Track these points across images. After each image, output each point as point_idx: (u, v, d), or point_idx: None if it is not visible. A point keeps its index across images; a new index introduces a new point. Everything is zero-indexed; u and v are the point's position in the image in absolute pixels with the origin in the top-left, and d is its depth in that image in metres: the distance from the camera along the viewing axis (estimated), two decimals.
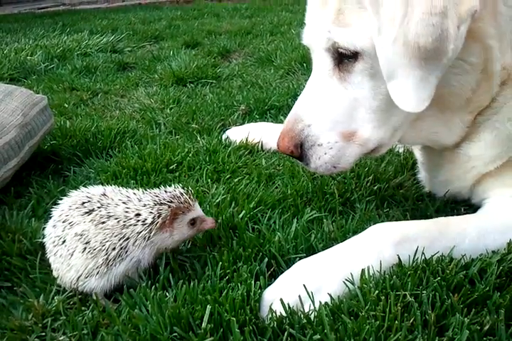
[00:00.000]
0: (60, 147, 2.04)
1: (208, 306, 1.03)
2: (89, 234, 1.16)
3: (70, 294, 1.19)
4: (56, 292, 1.20)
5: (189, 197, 1.21)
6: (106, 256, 1.15)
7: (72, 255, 1.16)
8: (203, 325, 1.00)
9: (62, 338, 1.07)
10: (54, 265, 1.21)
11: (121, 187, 1.26)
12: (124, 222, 1.16)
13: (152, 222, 1.16)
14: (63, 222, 1.20)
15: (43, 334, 1.09)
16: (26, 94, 1.89)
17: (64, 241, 1.18)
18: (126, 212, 1.17)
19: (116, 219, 1.16)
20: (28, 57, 3.79)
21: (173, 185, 1.25)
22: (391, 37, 1.09)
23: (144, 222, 1.16)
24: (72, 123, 2.27)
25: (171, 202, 1.18)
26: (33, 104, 1.87)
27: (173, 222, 1.19)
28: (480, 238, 1.22)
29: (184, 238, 1.23)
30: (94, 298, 1.15)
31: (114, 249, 1.15)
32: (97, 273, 1.15)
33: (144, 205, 1.18)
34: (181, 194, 1.21)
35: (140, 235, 1.16)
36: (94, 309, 1.12)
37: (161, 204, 1.18)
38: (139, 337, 1.01)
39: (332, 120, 1.24)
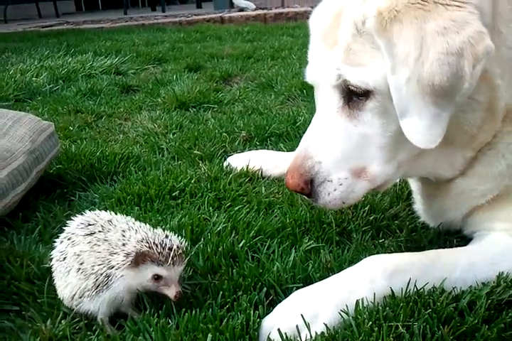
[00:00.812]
0: (66, 171, 2.09)
1: (209, 334, 1.08)
2: (84, 254, 1.20)
3: (77, 319, 1.24)
4: (63, 316, 1.25)
5: (173, 256, 1.17)
6: (95, 280, 1.18)
7: (69, 273, 1.22)
8: None
9: None
10: (55, 280, 1.26)
11: (133, 219, 1.30)
12: (113, 248, 1.19)
13: (129, 254, 1.17)
14: (68, 239, 1.26)
15: None
16: (34, 120, 1.95)
17: (64, 258, 1.24)
18: (119, 239, 1.20)
19: (109, 244, 1.20)
20: (34, 78, 3.86)
21: (181, 239, 1.24)
22: (405, 76, 1.11)
23: (126, 252, 1.18)
24: (77, 147, 2.33)
25: (156, 246, 1.18)
26: (41, 131, 1.94)
27: (138, 264, 1.17)
28: (470, 270, 1.26)
29: (144, 287, 1.21)
30: (99, 322, 1.20)
31: (101, 274, 1.18)
32: (88, 295, 1.19)
33: (135, 238, 1.19)
34: (170, 248, 1.18)
35: (118, 264, 1.18)
36: (100, 334, 1.17)
37: (147, 242, 1.18)
38: None
39: (342, 157, 1.25)
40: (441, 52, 1.08)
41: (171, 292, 1.17)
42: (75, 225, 1.28)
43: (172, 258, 1.17)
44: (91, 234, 1.23)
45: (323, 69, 1.26)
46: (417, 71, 1.10)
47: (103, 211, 1.33)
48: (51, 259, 1.29)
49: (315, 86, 1.34)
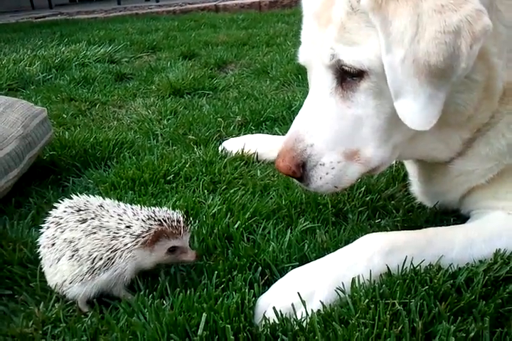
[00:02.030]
0: (59, 157, 2.08)
1: (204, 314, 1.07)
2: (78, 242, 1.19)
3: (70, 302, 1.22)
4: (56, 299, 1.24)
5: (182, 226, 1.22)
6: (92, 265, 1.18)
7: (59, 260, 1.20)
8: (199, 332, 1.04)
9: None
10: (44, 268, 1.25)
11: (120, 202, 1.29)
12: (115, 233, 1.19)
13: (139, 235, 1.18)
14: (56, 224, 1.23)
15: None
16: (26, 106, 1.93)
17: (53, 245, 1.22)
18: (119, 223, 1.20)
19: (107, 230, 1.19)
20: (27, 68, 3.84)
21: (176, 211, 1.27)
22: (400, 55, 1.08)
23: (132, 233, 1.18)
24: (70, 134, 2.32)
25: (165, 221, 1.20)
26: (33, 116, 1.92)
27: (154, 242, 1.19)
28: (467, 248, 1.25)
29: (160, 261, 1.23)
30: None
31: (101, 259, 1.18)
32: (81, 280, 1.18)
33: (138, 219, 1.20)
34: (177, 220, 1.22)
35: (126, 247, 1.18)
36: (94, 316, 1.16)
37: (154, 220, 1.20)
38: None
39: (335, 139, 1.22)
40: (437, 31, 1.06)
41: (190, 256, 1.23)
42: (62, 209, 1.25)
43: (183, 228, 1.21)
44: (84, 220, 1.21)
45: (316, 49, 1.23)
46: (413, 50, 1.07)
47: (91, 195, 1.31)
48: (38, 246, 1.27)
49: (308, 67, 1.31)
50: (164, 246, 1.20)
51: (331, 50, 1.18)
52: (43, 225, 1.27)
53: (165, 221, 1.20)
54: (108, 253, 1.18)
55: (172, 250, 1.22)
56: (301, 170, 1.24)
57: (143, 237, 1.18)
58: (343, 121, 1.21)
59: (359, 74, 1.17)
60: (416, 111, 1.12)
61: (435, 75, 1.08)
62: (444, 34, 1.05)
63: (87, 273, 1.18)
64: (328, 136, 1.22)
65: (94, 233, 1.19)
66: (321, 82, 1.24)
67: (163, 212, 1.23)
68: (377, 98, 1.18)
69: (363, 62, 1.14)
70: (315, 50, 1.24)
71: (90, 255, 1.18)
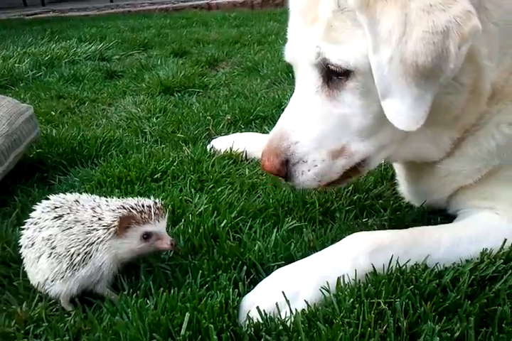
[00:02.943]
0: (46, 155, 2.06)
1: (187, 313, 1.06)
2: (55, 239, 1.18)
3: (53, 301, 1.21)
4: (39, 299, 1.22)
5: (155, 212, 1.20)
6: (71, 261, 1.17)
7: (39, 259, 1.19)
8: (182, 331, 1.03)
9: None
10: (26, 268, 1.24)
11: (97, 196, 1.28)
12: (89, 227, 1.18)
13: (110, 225, 1.18)
14: (35, 224, 1.23)
15: (25, 340, 1.11)
16: (12, 103, 1.91)
17: (33, 244, 1.21)
18: (93, 216, 1.19)
19: (82, 224, 1.18)
20: (16, 65, 3.81)
21: (153, 197, 1.26)
22: (388, 55, 1.07)
23: (104, 225, 1.18)
24: (58, 132, 2.30)
25: (134, 208, 1.19)
26: (19, 114, 1.90)
27: (125, 229, 1.18)
28: (454, 247, 1.25)
29: (137, 250, 1.21)
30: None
31: (78, 254, 1.17)
32: (62, 277, 1.17)
33: (109, 210, 1.20)
34: (149, 205, 1.20)
35: (100, 239, 1.17)
36: (77, 315, 1.15)
37: (124, 208, 1.19)
38: None
39: (319, 137, 1.21)
40: (425, 31, 1.05)
41: (165, 242, 1.20)
42: (40, 210, 1.25)
43: (154, 213, 1.19)
44: (59, 216, 1.21)
45: (302, 46, 1.22)
46: (400, 50, 1.07)
47: (68, 193, 1.30)
48: (20, 247, 1.26)
49: (294, 65, 1.29)
50: (137, 232, 1.19)
51: (317, 48, 1.17)
52: (23, 227, 1.26)
53: (134, 208, 1.19)
54: (85, 247, 1.17)
55: (146, 237, 1.19)
56: (285, 167, 1.23)
57: (113, 227, 1.17)
58: (329, 119, 1.20)
59: (345, 74, 1.15)
60: (403, 111, 1.11)
61: (422, 76, 1.08)
62: (432, 34, 1.05)
63: (67, 269, 1.17)
64: (314, 134, 1.22)
65: (70, 228, 1.18)
66: (306, 80, 1.23)
67: (135, 201, 1.22)
68: (363, 97, 1.17)
69: (349, 61, 1.13)
70: (301, 48, 1.22)
71: (68, 251, 1.17)
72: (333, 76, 1.18)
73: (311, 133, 1.22)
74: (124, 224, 1.17)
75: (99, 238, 1.17)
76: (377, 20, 1.08)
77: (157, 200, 1.24)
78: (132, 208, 1.19)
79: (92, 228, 1.18)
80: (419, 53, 1.06)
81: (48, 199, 1.28)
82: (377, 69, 1.09)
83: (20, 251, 1.26)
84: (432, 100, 1.12)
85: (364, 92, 1.16)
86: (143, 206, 1.19)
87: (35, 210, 1.27)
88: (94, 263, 1.17)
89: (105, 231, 1.17)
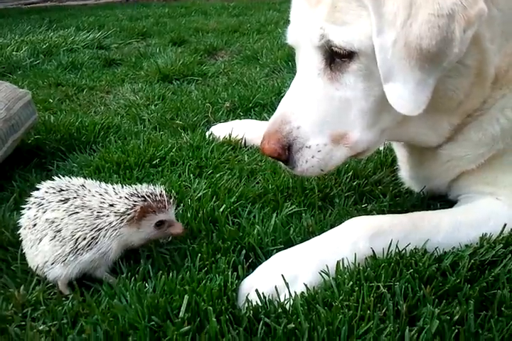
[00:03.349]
0: (44, 141, 2.05)
1: (186, 296, 1.05)
2: (61, 222, 1.17)
3: (51, 284, 1.20)
4: (37, 282, 1.22)
5: (166, 200, 1.22)
6: (75, 245, 1.16)
7: (40, 240, 1.18)
8: (181, 314, 1.03)
9: (42, 327, 1.07)
10: (24, 249, 1.23)
11: (101, 182, 1.28)
12: (98, 212, 1.18)
13: (124, 212, 1.18)
14: (38, 205, 1.22)
15: (23, 323, 1.10)
16: (10, 88, 1.90)
17: (34, 225, 1.20)
18: (102, 202, 1.19)
19: (90, 209, 1.18)
20: (14, 53, 3.79)
21: (157, 185, 1.26)
22: (392, 38, 1.06)
23: (116, 212, 1.18)
24: (56, 118, 2.29)
25: (148, 197, 1.20)
26: (17, 99, 1.89)
27: (141, 218, 1.19)
28: (454, 232, 1.24)
29: (149, 237, 1.23)
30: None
31: (84, 239, 1.16)
32: (64, 260, 1.17)
33: (120, 197, 1.20)
34: (160, 194, 1.21)
35: (111, 225, 1.17)
36: (75, 299, 1.14)
37: (138, 196, 1.19)
38: (117, 326, 1.03)
39: (322, 121, 1.19)
40: (431, 14, 1.03)
41: (178, 227, 1.24)
42: (44, 190, 1.24)
43: (167, 202, 1.22)
44: (66, 200, 1.20)
45: (305, 28, 1.20)
46: (405, 33, 1.05)
47: (73, 177, 1.29)
48: (19, 227, 1.25)
49: (296, 47, 1.27)
50: (152, 221, 1.20)
51: (321, 30, 1.15)
52: (24, 206, 1.25)
53: (149, 196, 1.20)
54: (92, 232, 1.16)
55: (159, 224, 1.21)
56: (286, 152, 1.21)
57: (128, 214, 1.18)
58: (331, 103, 1.19)
59: (349, 56, 1.14)
60: (405, 95, 1.10)
61: (426, 59, 1.06)
62: (437, 17, 1.03)
63: (69, 253, 1.16)
64: (316, 118, 1.20)
65: (77, 213, 1.18)
66: (309, 62, 1.21)
67: (144, 188, 1.23)
68: (366, 80, 1.16)
69: (353, 43, 1.12)
70: (304, 30, 1.20)
71: (73, 235, 1.16)
72: (336, 58, 1.16)
73: (313, 116, 1.20)
74: (142, 213, 1.18)
75: (110, 224, 1.17)
76: (382, 2, 1.07)
77: (161, 188, 1.25)
78: (147, 196, 1.20)
79: (101, 214, 1.17)
80: (424, 36, 1.04)
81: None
82: (381, 51, 1.08)
83: (19, 232, 1.25)
84: (434, 85, 1.10)
85: (367, 75, 1.15)
86: (155, 195, 1.21)
87: (37, 190, 1.26)
88: (99, 248, 1.17)
89: (117, 218, 1.17)
